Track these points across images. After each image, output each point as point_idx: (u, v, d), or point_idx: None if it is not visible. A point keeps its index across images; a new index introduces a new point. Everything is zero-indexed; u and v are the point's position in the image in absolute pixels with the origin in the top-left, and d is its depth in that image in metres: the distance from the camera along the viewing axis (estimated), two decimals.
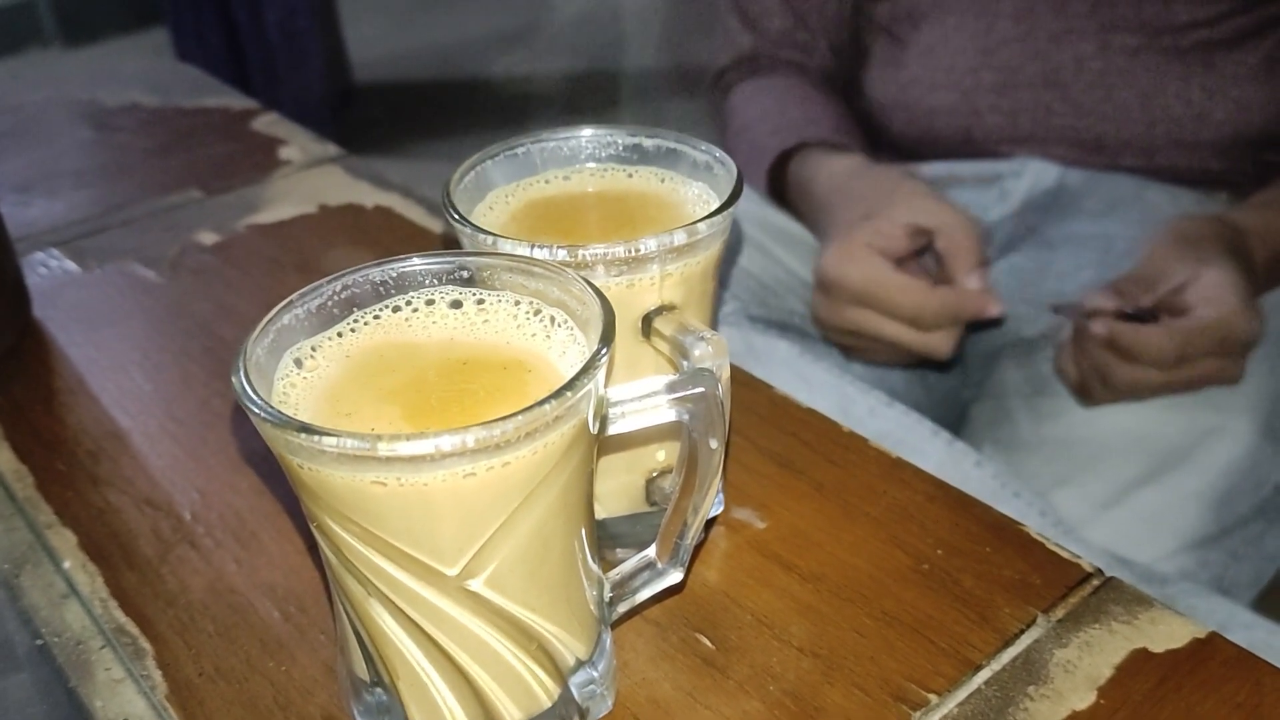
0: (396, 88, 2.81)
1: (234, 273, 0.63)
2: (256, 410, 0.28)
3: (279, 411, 0.28)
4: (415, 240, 0.65)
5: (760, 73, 0.94)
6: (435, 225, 0.67)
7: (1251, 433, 0.70)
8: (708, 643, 0.38)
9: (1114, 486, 0.70)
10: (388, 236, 0.66)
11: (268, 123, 0.84)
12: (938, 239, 0.71)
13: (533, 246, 0.35)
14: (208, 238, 0.66)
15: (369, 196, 0.71)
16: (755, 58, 0.95)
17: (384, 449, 0.27)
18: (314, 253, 0.64)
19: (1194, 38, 0.80)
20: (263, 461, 0.48)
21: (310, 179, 0.74)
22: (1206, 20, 0.80)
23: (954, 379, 0.84)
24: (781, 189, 0.88)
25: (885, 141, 0.92)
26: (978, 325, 0.76)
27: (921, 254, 0.73)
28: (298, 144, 0.79)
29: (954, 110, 0.87)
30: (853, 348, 0.76)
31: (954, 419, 0.81)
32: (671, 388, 0.32)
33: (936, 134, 0.89)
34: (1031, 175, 0.86)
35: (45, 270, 0.64)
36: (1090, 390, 0.71)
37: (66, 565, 0.43)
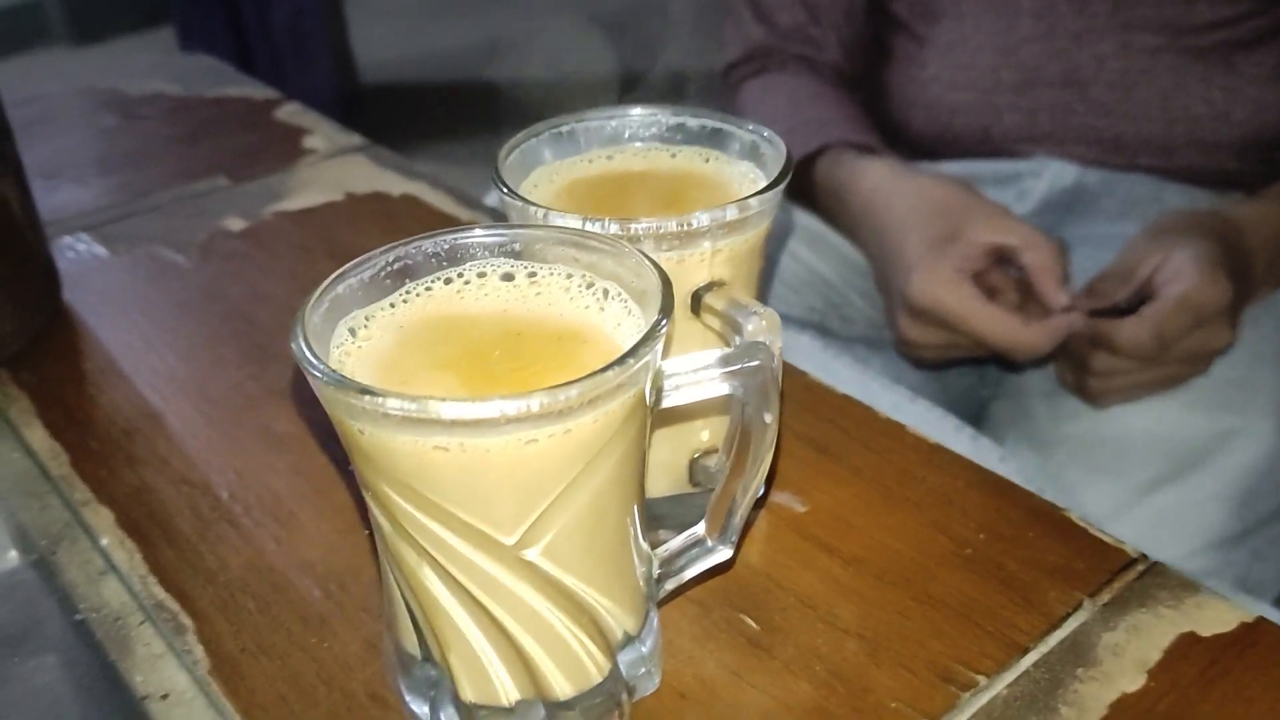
0: (404, 90, 2.81)
1: (263, 258, 0.62)
2: (319, 374, 0.28)
3: (341, 375, 0.28)
4: (444, 227, 0.64)
5: (770, 68, 0.94)
6: (463, 213, 0.67)
7: (1273, 433, 0.70)
8: (752, 623, 0.38)
9: (1135, 486, 0.70)
10: (415, 224, 0.65)
11: (290, 113, 0.84)
12: (1023, 256, 0.71)
13: (585, 220, 0.35)
14: (235, 224, 0.66)
15: (396, 185, 0.71)
16: (766, 52, 0.95)
17: (448, 412, 0.27)
18: (343, 239, 0.64)
19: (1215, 38, 0.80)
20: (299, 443, 0.47)
21: (335, 167, 0.74)
22: (1227, 20, 0.80)
23: (972, 377, 0.84)
24: (805, 188, 0.88)
25: (902, 139, 0.92)
26: None
27: (1002, 262, 0.74)
28: (321, 133, 0.79)
29: (973, 109, 0.87)
30: (935, 360, 0.76)
31: (973, 417, 0.81)
32: (725, 361, 0.32)
33: (955, 133, 0.89)
34: (1050, 175, 0.86)
35: (74, 254, 0.64)
36: (1087, 390, 0.71)
37: (104, 542, 0.43)
